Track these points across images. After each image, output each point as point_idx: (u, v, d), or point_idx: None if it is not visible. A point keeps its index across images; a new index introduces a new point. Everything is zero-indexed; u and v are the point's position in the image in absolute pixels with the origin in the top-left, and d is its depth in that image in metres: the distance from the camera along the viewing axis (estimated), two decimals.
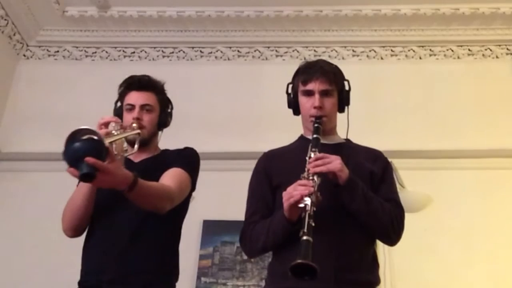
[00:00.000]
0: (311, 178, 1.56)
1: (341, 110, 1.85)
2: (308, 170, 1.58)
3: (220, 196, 3.42)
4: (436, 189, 3.31)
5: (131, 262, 1.79)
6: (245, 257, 3.33)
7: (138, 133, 1.90)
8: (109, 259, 1.78)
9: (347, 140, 1.89)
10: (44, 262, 3.33)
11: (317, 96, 1.76)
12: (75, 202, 1.85)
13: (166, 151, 2.06)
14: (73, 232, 1.88)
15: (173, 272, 1.93)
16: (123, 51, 4.10)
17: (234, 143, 3.59)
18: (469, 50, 3.93)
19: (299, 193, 1.50)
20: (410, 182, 3.18)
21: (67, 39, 4.11)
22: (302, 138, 1.88)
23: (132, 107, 1.98)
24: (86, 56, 4.10)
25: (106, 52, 4.11)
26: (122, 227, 1.82)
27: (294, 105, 1.86)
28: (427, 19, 3.88)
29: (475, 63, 3.89)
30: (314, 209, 1.48)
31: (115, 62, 4.05)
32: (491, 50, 3.91)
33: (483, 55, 3.91)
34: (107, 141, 1.54)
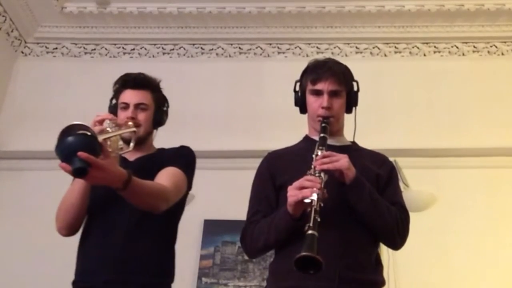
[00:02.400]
0: (317, 174, 1.54)
1: (349, 111, 1.84)
2: (315, 167, 1.57)
3: (221, 195, 3.41)
4: (440, 188, 3.31)
5: (127, 262, 1.77)
6: (246, 257, 3.29)
7: (134, 131, 1.88)
8: (105, 260, 1.77)
9: (353, 143, 1.88)
10: (43, 261, 3.32)
11: (326, 96, 1.74)
12: (69, 200, 1.82)
13: (162, 149, 2.04)
14: (67, 231, 1.86)
15: (170, 273, 1.91)
16: (123, 48, 4.08)
17: (236, 141, 3.57)
18: (474, 47, 3.91)
19: (307, 189, 1.48)
20: (414, 181, 3.21)
21: (66, 36, 4.09)
22: (307, 139, 1.86)
23: (126, 106, 1.96)
24: (85, 53, 4.09)
25: (106, 49, 4.09)
26: (117, 227, 1.80)
27: (301, 104, 1.84)
28: (432, 15, 3.86)
29: (480, 60, 3.87)
30: (321, 204, 1.47)
31: (114, 59, 4.04)
32: (496, 46, 3.90)
33: (488, 52, 3.90)
34: (101, 138, 1.52)
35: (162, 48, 4.06)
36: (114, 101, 2.03)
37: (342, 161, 1.57)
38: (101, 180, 1.49)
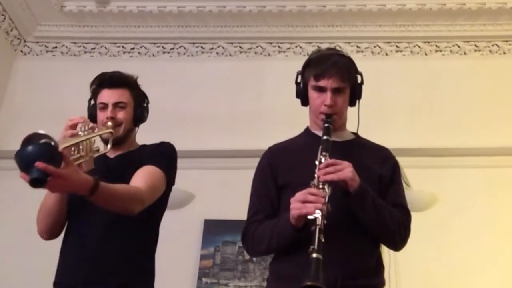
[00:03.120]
0: (321, 187, 1.52)
1: (352, 104, 1.80)
2: (318, 177, 1.54)
3: (221, 195, 3.40)
4: (441, 187, 3.31)
5: (103, 262, 1.77)
6: (247, 257, 3.31)
7: (111, 132, 1.89)
8: (83, 260, 1.78)
9: (356, 135, 1.84)
10: (42, 261, 3.23)
11: (329, 94, 1.70)
12: (46, 205, 1.85)
13: (143, 146, 2.04)
14: (48, 235, 1.89)
15: (148, 272, 1.91)
16: (123, 47, 4.06)
17: (236, 140, 3.55)
18: (475, 46, 3.90)
19: (311, 205, 1.46)
20: (415, 180, 3.21)
21: (66, 35, 4.07)
22: (309, 133, 1.83)
23: (105, 106, 1.96)
24: (85, 52, 4.07)
25: (105, 48, 4.07)
26: (94, 227, 1.81)
27: (302, 96, 1.81)
28: (433, 14, 3.84)
29: (482, 59, 3.85)
30: (325, 222, 1.45)
31: (114, 58, 4.02)
32: (498, 46, 3.88)
33: (490, 51, 3.88)
34: (68, 143, 1.55)
35: (162, 47, 4.04)
36: (92, 102, 2.02)
37: (346, 170, 1.54)
38: (63, 189, 1.51)
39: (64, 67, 3.99)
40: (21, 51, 4.06)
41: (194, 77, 3.86)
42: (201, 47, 4.03)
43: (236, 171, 3.27)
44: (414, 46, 3.92)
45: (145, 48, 4.05)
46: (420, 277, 3.18)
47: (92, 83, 2.02)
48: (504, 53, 3.86)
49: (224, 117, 3.72)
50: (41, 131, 1.41)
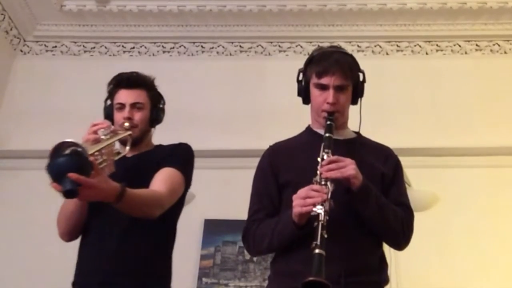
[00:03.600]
0: (323, 183, 1.50)
1: (354, 102, 1.79)
2: (321, 174, 1.53)
3: (222, 194, 3.39)
4: (442, 187, 3.29)
5: (121, 263, 1.78)
6: (247, 257, 3.30)
7: (130, 134, 1.90)
8: (100, 260, 1.79)
9: (358, 134, 1.83)
10: (42, 260, 3.31)
11: (331, 91, 1.68)
12: (68, 207, 1.84)
13: (159, 146, 2.04)
14: (69, 236, 1.89)
15: (166, 274, 1.91)
16: (123, 46, 4.06)
17: (236, 140, 3.54)
18: (476, 45, 3.90)
19: (313, 201, 1.45)
20: (416, 180, 3.17)
21: (65, 34, 4.06)
22: (310, 131, 1.82)
23: (122, 106, 1.96)
24: (85, 51, 4.06)
25: (105, 47, 4.06)
26: (112, 228, 1.81)
27: (304, 94, 1.80)
28: (434, 13, 3.84)
29: (483, 59, 3.85)
30: (327, 218, 1.43)
31: (114, 57, 4.02)
32: (499, 45, 3.88)
33: (491, 50, 3.88)
34: (94, 150, 1.56)
35: (162, 46, 4.04)
36: (109, 102, 2.02)
37: (349, 168, 1.53)
38: (93, 197, 1.52)
39: (64, 66, 3.98)
40: (21, 51, 4.05)
41: (194, 76, 3.86)
42: (201, 46, 4.02)
43: (237, 171, 3.26)
44: (415, 46, 3.92)
45: (145, 47, 4.04)
46: (421, 277, 3.17)
47: (109, 83, 2.02)
48: (505, 52, 3.87)
49: (224, 117, 3.71)
50: (69, 139, 1.42)
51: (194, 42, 4.03)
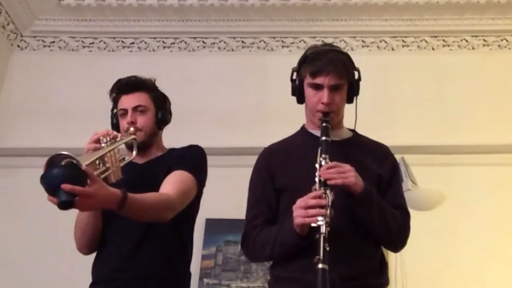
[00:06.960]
0: (323, 191, 1.50)
1: (350, 101, 1.78)
2: (319, 181, 1.53)
3: (223, 193, 3.34)
4: (449, 186, 3.27)
5: (138, 268, 1.81)
6: None
7: (134, 138, 1.90)
8: (117, 267, 1.82)
9: (354, 132, 1.82)
10: (40, 259, 3.30)
11: (326, 91, 1.68)
12: (83, 219, 1.86)
13: (172, 150, 2.04)
14: (87, 250, 1.92)
15: (186, 277, 1.97)
16: (122, 41, 4.02)
17: (238, 138, 3.53)
18: (484, 40, 3.85)
19: (316, 213, 1.46)
20: (423, 178, 3.16)
21: (63, 29, 4.03)
22: (305, 132, 1.81)
23: (125, 112, 1.97)
24: (83, 46, 4.03)
25: (104, 42, 4.03)
26: (127, 234, 1.84)
27: (298, 94, 1.78)
28: (440, 8, 3.79)
29: (491, 54, 3.81)
30: (329, 229, 1.44)
31: (113, 53, 3.99)
32: (507, 40, 3.84)
33: (498, 45, 3.84)
34: (91, 159, 1.57)
35: (163, 41, 4.00)
36: (115, 110, 2.03)
37: (349, 175, 1.54)
38: (94, 206, 1.55)
39: (62, 62, 3.96)
40: (18, 46, 4.02)
41: (195, 72, 3.84)
42: (203, 41, 3.99)
43: (239, 169, 3.20)
44: (421, 41, 3.88)
45: (145, 42, 4.01)
46: (427, 277, 3.17)
47: (111, 91, 2.03)
48: None
49: (226, 114, 3.70)
50: (63, 152, 1.43)
51: (195, 38, 3.99)
